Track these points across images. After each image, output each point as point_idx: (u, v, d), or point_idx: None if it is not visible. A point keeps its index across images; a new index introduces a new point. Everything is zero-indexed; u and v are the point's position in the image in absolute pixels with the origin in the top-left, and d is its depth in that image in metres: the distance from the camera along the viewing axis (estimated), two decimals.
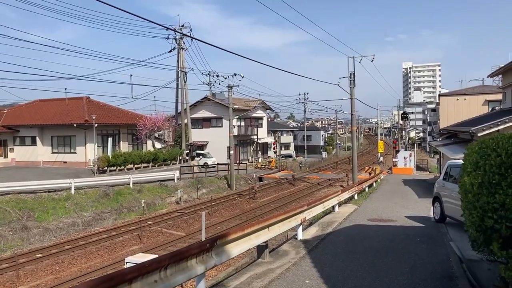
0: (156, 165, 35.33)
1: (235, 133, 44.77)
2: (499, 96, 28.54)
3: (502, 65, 24.14)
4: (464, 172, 5.44)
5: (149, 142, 39.44)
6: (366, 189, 23.39)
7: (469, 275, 7.58)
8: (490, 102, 33.87)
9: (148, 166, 34.60)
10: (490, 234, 4.80)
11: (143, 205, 24.92)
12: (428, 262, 8.28)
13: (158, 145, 40.42)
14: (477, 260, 7.76)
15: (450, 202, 11.98)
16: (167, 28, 24.66)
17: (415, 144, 68.41)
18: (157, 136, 41.10)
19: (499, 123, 16.24)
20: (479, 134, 15.87)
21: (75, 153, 34.74)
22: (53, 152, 36.07)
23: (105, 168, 30.79)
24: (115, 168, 31.56)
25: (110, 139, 34.06)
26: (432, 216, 13.83)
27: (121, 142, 37.81)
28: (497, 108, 28.98)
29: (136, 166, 33.43)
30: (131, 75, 58.09)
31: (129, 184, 27.70)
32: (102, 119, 34.17)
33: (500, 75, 26.10)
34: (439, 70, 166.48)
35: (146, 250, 16.79)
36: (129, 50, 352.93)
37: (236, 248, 6.91)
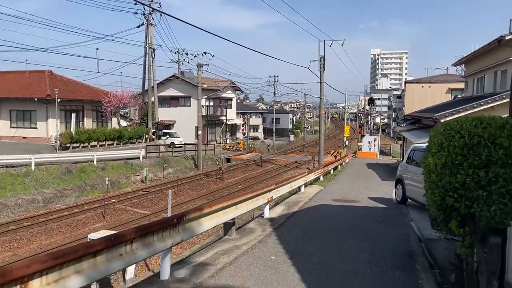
0: (121, 143, 34.59)
1: (204, 113, 44.32)
2: (462, 85, 29.51)
3: (465, 55, 24.92)
4: (428, 153, 5.59)
5: (115, 120, 38.44)
6: (332, 171, 23.83)
7: (426, 253, 7.92)
8: (453, 90, 35.00)
9: (113, 144, 33.83)
10: (450, 212, 4.97)
11: (107, 183, 24.39)
12: (389, 240, 8.57)
13: (123, 123, 39.50)
14: (435, 239, 8.08)
15: (412, 184, 12.40)
16: (136, 2, 23.90)
17: (380, 130, 70.05)
18: (122, 113, 40.13)
19: (461, 110, 16.84)
20: (442, 120, 16.38)
21: (36, 128, 33.40)
22: (11, 127, 34.48)
23: (68, 144, 29.86)
24: (78, 145, 30.66)
25: (73, 115, 32.95)
26: (394, 197, 14.30)
27: (85, 119, 36.64)
28: (459, 96, 30.03)
29: (100, 143, 32.60)
30: (97, 49, 56.00)
31: (93, 161, 27.03)
32: (65, 94, 32.89)
33: (463, 65, 26.95)
34: (406, 58, 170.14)
35: (109, 227, 16.50)
36: (96, 24, 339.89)
37: (204, 224, 6.89)
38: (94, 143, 31.96)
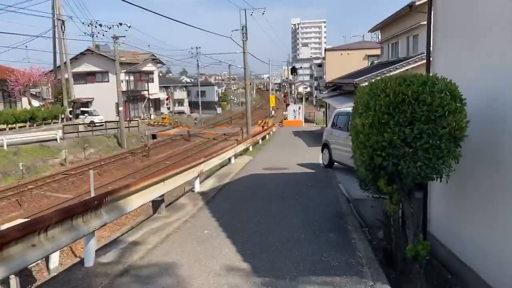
0: (35, 125, 31.87)
1: (124, 89, 42.12)
2: (378, 51, 30.84)
3: (380, 22, 25.92)
4: (355, 114, 5.61)
5: (25, 100, 35.24)
6: (260, 141, 24.00)
7: (355, 213, 8.19)
8: (370, 56, 36.51)
9: (25, 126, 31.05)
10: (378, 171, 5.05)
11: (21, 168, 22.45)
12: (320, 203, 8.73)
13: (35, 103, 36.35)
14: (362, 199, 8.37)
15: (337, 148, 12.79)
16: None
17: (303, 98, 71.83)
18: (34, 93, 36.84)
19: (378, 74, 17.54)
20: (362, 85, 16.99)
21: None
22: None
23: None
24: None
25: None
26: (321, 162, 14.69)
27: None
28: (376, 62, 31.43)
29: (10, 126, 29.75)
30: None
31: (3, 146, 24.69)
32: None
33: (379, 31, 28.09)
34: (325, 26, 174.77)
35: (28, 216, 15.22)
36: None
37: (129, 204, 6.44)
38: (2, 126, 29.12)
